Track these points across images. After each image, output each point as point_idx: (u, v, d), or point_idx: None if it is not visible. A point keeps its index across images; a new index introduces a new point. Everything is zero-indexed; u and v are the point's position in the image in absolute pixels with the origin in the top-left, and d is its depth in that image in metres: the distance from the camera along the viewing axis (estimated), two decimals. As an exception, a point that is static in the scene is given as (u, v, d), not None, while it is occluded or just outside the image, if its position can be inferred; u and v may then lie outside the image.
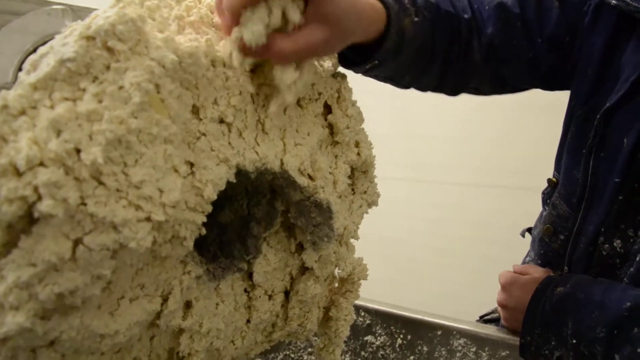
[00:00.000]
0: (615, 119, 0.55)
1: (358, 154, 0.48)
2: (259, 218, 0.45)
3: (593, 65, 0.59)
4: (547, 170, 0.70)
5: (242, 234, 0.45)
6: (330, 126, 0.47)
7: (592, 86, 0.59)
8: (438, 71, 0.59)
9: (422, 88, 0.63)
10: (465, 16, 0.59)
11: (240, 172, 0.40)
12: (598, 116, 0.55)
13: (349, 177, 0.48)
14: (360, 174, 0.50)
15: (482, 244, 1.70)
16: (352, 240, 0.50)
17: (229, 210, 0.46)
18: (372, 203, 0.51)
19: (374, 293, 0.65)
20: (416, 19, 0.52)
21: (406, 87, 0.62)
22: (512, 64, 0.63)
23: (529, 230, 0.76)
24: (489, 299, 0.72)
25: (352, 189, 0.50)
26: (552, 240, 0.65)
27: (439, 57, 0.58)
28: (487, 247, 1.65)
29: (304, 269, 0.49)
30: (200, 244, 0.45)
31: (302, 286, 0.48)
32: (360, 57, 0.49)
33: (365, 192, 0.50)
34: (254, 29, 0.35)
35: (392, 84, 0.60)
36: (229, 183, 0.44)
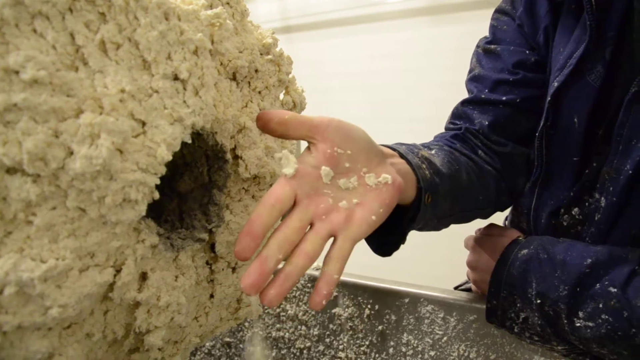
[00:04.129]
0: (563, 99, 0.55)
1: None
2: (221, 185, 0.42)
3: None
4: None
5: (204, 203, 0.43)
6: None
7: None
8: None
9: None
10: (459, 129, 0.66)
11: (198, 135, 0.38)
12: (549, 99, 0.56)
13: None
14: None
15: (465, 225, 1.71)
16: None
17: (189, 178, 0.43)
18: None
19: (353, 277, 0.63)
20: (431, 151, 0.55)
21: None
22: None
23: None
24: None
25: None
26: (521, 220, 0.65)
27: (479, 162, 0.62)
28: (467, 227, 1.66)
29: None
30: (159, 215, 0.42)
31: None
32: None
33: None
34: None
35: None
36: (187, 148, 0.42)
